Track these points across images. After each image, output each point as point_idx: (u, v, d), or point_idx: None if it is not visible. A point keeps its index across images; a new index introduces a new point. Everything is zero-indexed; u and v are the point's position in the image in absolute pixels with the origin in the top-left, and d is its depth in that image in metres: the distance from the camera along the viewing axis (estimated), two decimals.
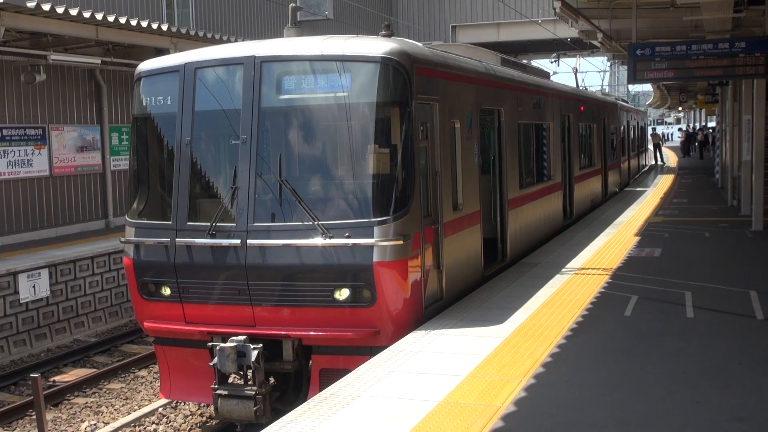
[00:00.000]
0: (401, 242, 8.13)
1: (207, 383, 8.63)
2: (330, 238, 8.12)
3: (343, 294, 8.19)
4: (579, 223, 17.94)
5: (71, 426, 10.59)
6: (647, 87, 61.91)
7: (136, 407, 11.18)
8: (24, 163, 17.19)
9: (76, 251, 15.46)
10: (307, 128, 8.72)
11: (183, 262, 8.66)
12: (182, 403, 10.79)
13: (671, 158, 48.33)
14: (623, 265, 12.21)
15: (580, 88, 30.94)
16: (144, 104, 9.24)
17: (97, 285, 15.55)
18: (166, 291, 8.84)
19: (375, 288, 8.10)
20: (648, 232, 15.96)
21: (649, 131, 49.66)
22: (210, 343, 8.36)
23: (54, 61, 16.61)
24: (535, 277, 11.37)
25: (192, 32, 19.12)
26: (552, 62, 41.78)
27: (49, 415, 10.71)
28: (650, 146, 45.93)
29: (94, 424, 10.47)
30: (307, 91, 8.54)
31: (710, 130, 50.82)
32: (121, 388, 12.10)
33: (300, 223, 8.26)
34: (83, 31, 16.41)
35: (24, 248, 16.00)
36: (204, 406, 10.60)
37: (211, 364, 8.18)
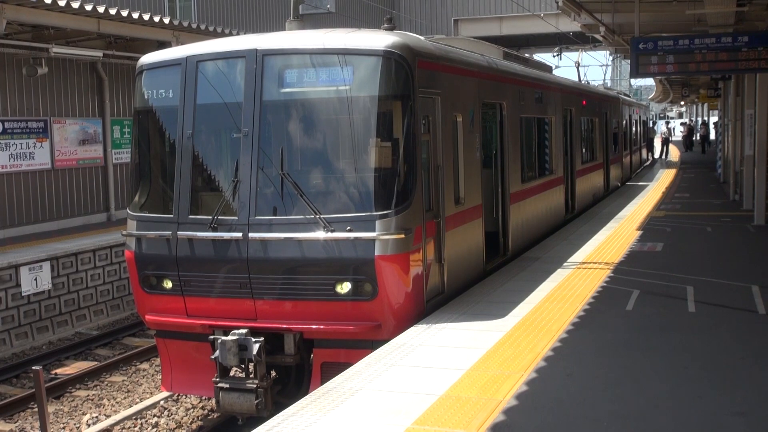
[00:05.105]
0: (403, 236, 8.12)
1: (208, 376, 8.64)
2: (332, 231, 8.12)
3: (344, 288, 8.19)
4: (581, 217, 17.93)
5: (73, 418, 10.61)
6: (649, 81, 61.82)
7: (137, 400, 11.19)
8: (26, 156, 17.18)
9: (78, 244, 15.47)
10: (309, 122, 8.71)
11: (185, 255, 8.66)
12: (184, 396, 10.81)
13: (673, 153, 48.28)
14: (625, 260, 12.21)
15: (583, 82, 30.89)
16: (146, 97, 9.23)
17: (99, 278, 15.56)
18: (168, 284, 8.84)
19: (376, 282, 8.10)
20: (650, 227, 15.95)
21: (662, 128, 49.59)
22: (211, 337, 8.37)
23: (56, 54, 16.60)
24: (537, 271, 11.36)
25: (194, 25, 19.11)
26: (554, 56, 41.71)
27: (50, 408, 10.73)
28: (657, 142, 45.96)
29: (96, 417, 10.49)
30: (308, 85, 8.52)
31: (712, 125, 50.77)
32: (123, 380, 12.12)
33: (302, 217, 8.25)
34: (85, 24, 16.40)
35: (26, 241, 16.02)
36: (205, 399, 10.61)
37: (212, 357, 8.19)
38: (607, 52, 40.23)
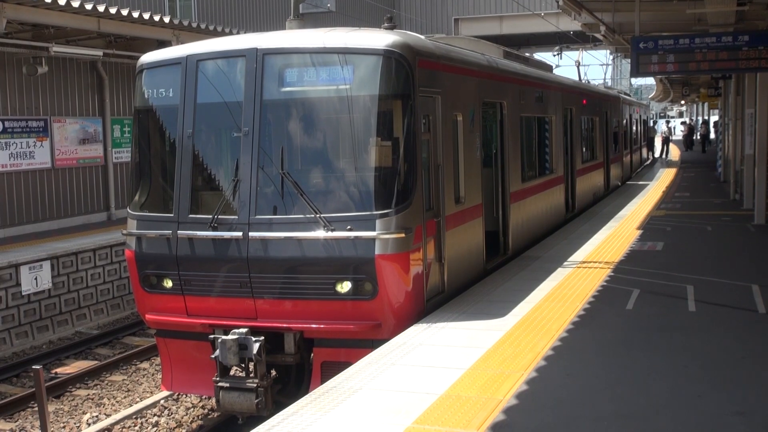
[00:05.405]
0: (403, 235, 8.12)
1: (209, 376, 8.64)
2: (332, 230, 8.12)
3: (344, 287, 8.19)
4: (581, 216, 17.93)
5: (73, 418, 10.61)
6: (650, 80, 61.80)
7: (137, 399, 11.20)
8: (26, 155, 17.18)
9: (78, 243, 15.47)
10: (309, 121, 8.71)
11: (185, 254, 8.66)
12: (184, 396, 10.81)
13: (673, 152, 48.29)
14: (625, 259, 12.20)
15: (583, 81, 30.88)
16: (146, 96, 9.23)
17: (99, 277, 15.56)
18: (168, 283, 8.84)
19: (377, 281, 8.10)
20: (650, 226, 15.95)
21: (662, 127, 49.67)
22: (212, 336, 8.37)
23: (56, 53, 16.60)
24: (537, 270, 11.36)
25: (194, 24, 19.10)
26: (554, 55, 41.70)
27: (51, 407, 10.73)
28: (657, 141, 45.99)
29: (96, 416, 10.49)
30: (309, 84, 8.52)
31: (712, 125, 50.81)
32: (123, 380, 12.12)
33: (302, 216, 8.25)
34: (85, 23, 16.40)
35: (26, 240, 16.02)
36: (205, 398, 10.62)
37: (212, 356, 8.19)
38: (608, 51, 40.19)
